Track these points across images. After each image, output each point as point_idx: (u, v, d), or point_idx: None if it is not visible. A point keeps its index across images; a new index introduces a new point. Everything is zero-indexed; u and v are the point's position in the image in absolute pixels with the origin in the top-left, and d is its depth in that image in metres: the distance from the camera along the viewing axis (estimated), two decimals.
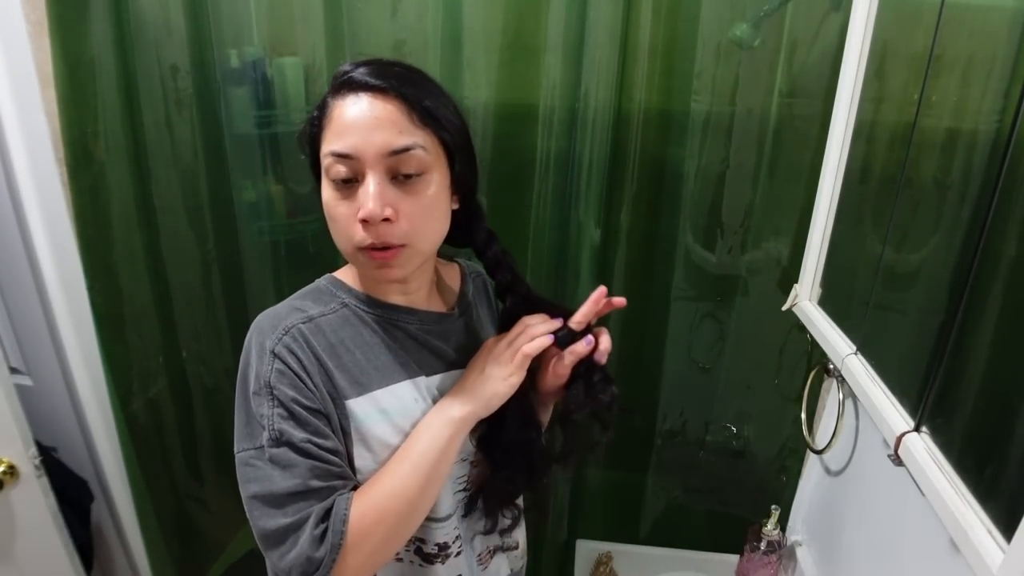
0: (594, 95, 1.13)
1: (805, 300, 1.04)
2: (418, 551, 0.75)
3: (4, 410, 1.07)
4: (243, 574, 1.66)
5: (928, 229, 0.77)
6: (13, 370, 1.24)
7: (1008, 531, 0.52)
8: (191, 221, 1.41)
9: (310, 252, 1.45)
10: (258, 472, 0.62)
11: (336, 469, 0.63)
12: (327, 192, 0.63)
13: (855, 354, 0.86)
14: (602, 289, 0.71)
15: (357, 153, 0.60)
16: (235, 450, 0.65)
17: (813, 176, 1.02)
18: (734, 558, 1.25)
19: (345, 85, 0.62)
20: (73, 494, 1.31)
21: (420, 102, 0.61)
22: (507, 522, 0.82)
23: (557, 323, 0.71)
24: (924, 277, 0.78)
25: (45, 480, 1.14)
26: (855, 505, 0.95)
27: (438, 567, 0.75)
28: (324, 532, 0.60)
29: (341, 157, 0.61)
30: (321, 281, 0.75)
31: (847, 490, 0.99)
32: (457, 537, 0.76)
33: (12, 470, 1.10)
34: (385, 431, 0.68)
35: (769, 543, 1.14)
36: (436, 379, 0.73)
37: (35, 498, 1.14)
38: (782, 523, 1.17)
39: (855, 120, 0.93)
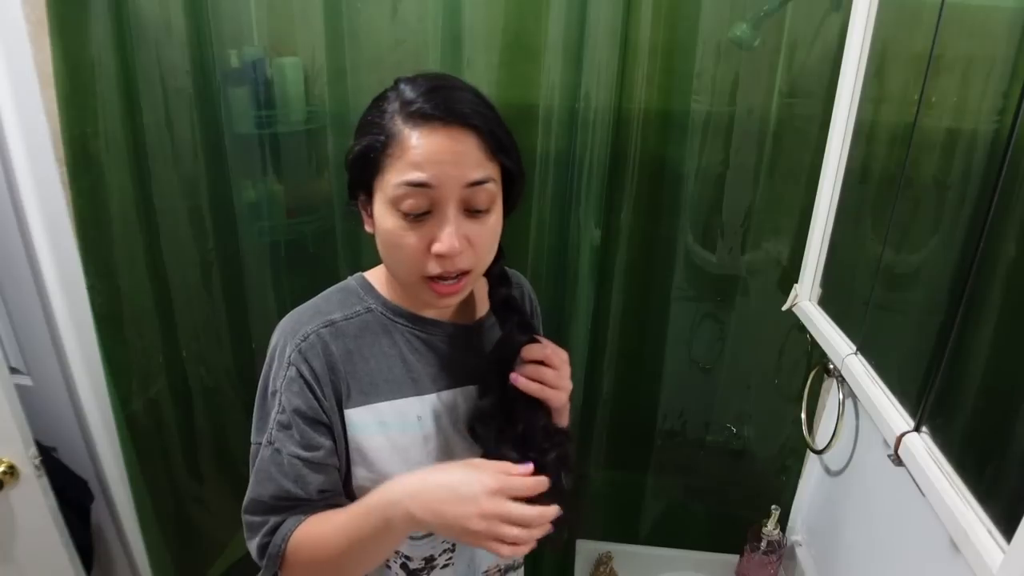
0: (594, 95, 1.13)
1: (805, 300, 1.04)
2: (403, 567, 0.76)
3: (4, 410, 1.07)
4: (243, 574, 1.66)
5: (928, 229, 0.77)
6: (13, 370, 1.24)
7: (1008, 531, 0.52)
8: (191, 221, 1.41)
9: (310, 252, 1.45)
10: (257, 473, 0.68)
11: (305, 492, 0.66)
12: (391, 221, 0.62)
13: (855, 354, 0.86)
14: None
15: (436, 183, 0.59)
16: (251, 440, 0.70)
17: (813, 176, 1.02)
18: (734, 558, 1.25)
19: (419, 115, 0.60)
20: (73, 494, 1.31)
21: (495, 135, 0.62)
22: None
23: (527, 468, 0.63)
24: (924, 277, 0.78)
25: (45, 480, 1.14)
26: (855, 505, 0.95)
27: None
28: (267, 545, 0.66)
29: (418, 187, 0.59)
30: (351, 281, 0.75)
31: (847, 490, 0.99)
32: (446, 550, 0.77)
33: (12, 470, 1.10)
34: (381, 444, 0.69)
35: (769, 543, 1.14)
36: (446, 395, 0.73)
37: (35, 498, 1.14)
38: (782, 523, 1.17)
39: (855, 120, 0.93)
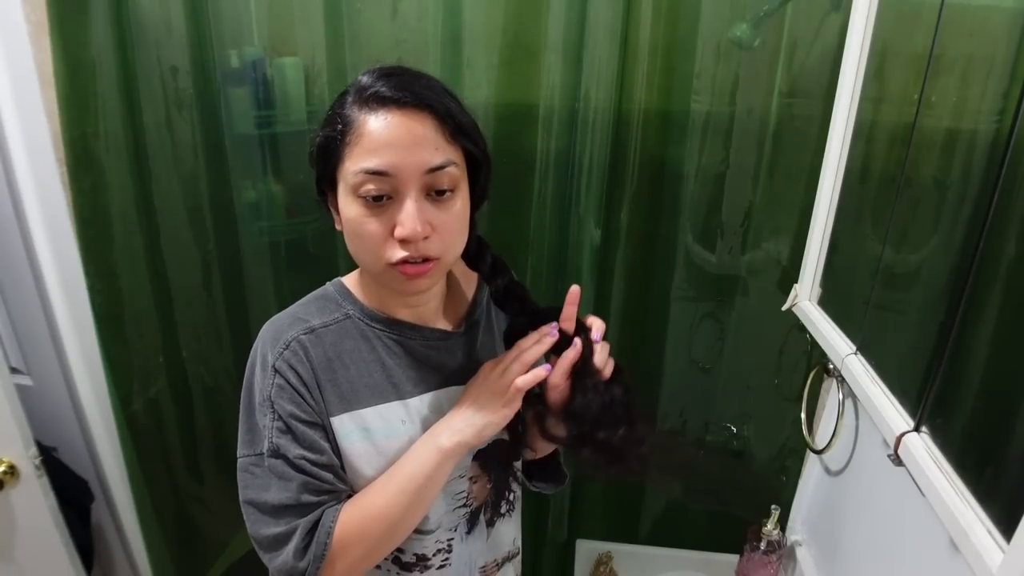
0: (594, 95, 1.13)
1: (805, 300, 1.04)
2: (395, 560, 0.75)
3: (4, 410, 1.07)
4: (243, 574, 1.66)
5: (928, 229, 0.77)
6: (13, 370, 1.24)
7: (1008, 531, 0.52)
8: (191, 221, 1.41)
9: (310, 252, 1.45)
10: (256, 479, 0.66)
11: (326, 485, 0.66)
12: (353, 209, 0.61)
13: (855, 354, 0.86)
14: (575, 289, 0.71)
15: (395, 171, 0.59)
16: (237, 454, 0.68)
17: (813, 176, 1.02)
18: (734, 558, 1.25)
19: (374, 99, 0.59)
20: (73, 494, 1.31)
21: (453, 117, 0.61)
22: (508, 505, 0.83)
23: (551, 340, 0.69)
24: (924, 277, 0.78)
25: (45, 480, 1.14)
26: (855, 505, 0.95)
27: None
28: (308, 544, 0.64)
29: (376, 175, 0.59)
30: (329, 287, 0.74)
31: (847, 490, 0.99)
32: (440, 550, 0.76)
33: (12, 470, 1.10)
34: (366, 450, 0.68)
35: (769, 543, 1.14)
36: (428, 397, 0.72)
37: (35, 498, 1.14)
38: (782, 523, 1.17)
39: (855, 120, 0.93)
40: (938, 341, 0.68)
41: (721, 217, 1.23)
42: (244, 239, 1.40)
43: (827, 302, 1.00)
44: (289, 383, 0.65)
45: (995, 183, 0.60)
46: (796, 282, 1.07)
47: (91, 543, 1.36)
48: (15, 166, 1.12)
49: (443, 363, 0.73)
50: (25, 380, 1.30)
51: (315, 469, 0.65)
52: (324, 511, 0.65)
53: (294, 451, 0.64)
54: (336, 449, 0.68)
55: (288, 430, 0.65)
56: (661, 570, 1.29)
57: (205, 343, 1.51)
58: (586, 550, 1.33)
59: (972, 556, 0.56)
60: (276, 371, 0.65)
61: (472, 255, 0.75)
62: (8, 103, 1.08)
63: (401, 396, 0.70)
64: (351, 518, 0.65)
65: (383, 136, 0.58)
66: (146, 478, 1.41)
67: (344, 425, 0.68)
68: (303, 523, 0.64)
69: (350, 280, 0.74)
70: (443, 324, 0.75)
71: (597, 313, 1.34)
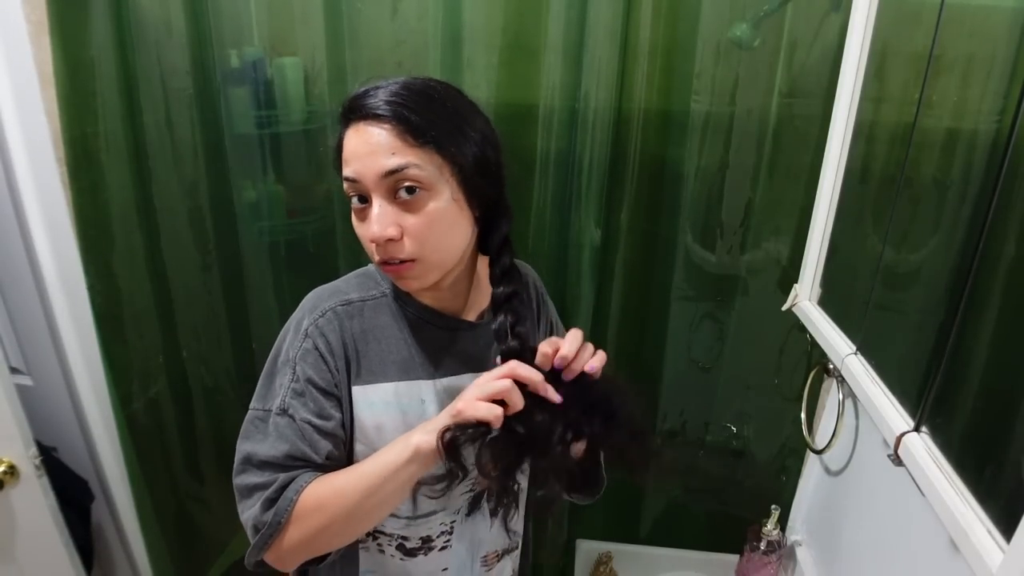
0: (594, 95, 1.13)
1: (805, 300, 1.04)
2: (400, 547, 0.78)
3: (4, 410, 1.07)
4: (243, 574, 1.66)
5: (928, 229, 0.77)
6: (13, 370, 1.24)
7: (1008, 531, 0.52)
8: (191, 221, 1.41)
9: (310, 252, 1.45)
10: (256, 432, 0.69)
11: (316, 456, 0.68)
12: (352, 213, 0.68)
13: (855, 354, 0.86)
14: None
15: (359, 177, 0.64)
16: (250, 405, 0.72)
17: (813, 176, 1.02)
18: (734, 558, 1.25)
19: (350, 112, 0.66)
20: (73, 494, 1.31)
21: (410, 122, 0.63)
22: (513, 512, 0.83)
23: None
24: (924, 277, 0.78)
25: (45, 480, 1.14)
26: (855, 505, 0.95)
27: (420, 559, 0.79)
28: (276, 500, 0.66)
29: (349, 182, 0.65)
30: (371, 266, 0.78)
31: (847, 490, 0.99)
32: (443, 532, 0.78)
33: (12, 470, 1.10)
34: (385, 423, 0.71)
35: (769, 543, 1.15)
36: (447, 381, 0.75)
37: (35, 498, 1.14)
38: (782, 523, 1.17)
39: (855, 120, 0.93)
40: (938, 341, 0.68)
41: (721, 217, 1.23)
42: (244, 239, 1.40)
43: (827, 302, 1.00)
44: (317, 348, 0.69)
45: (995, 183, 0.60)
46: (796, 282, 1.07)
47: (91, 543, 1.36)
48: (15, 166, 1.12)
49: (465, 350, 0.77)
50: (25, 380, 1.30)
51: (315, 436, 0.68)
52: (298, 475, 0.67)
53: (302, 413, 0.68)
54: (351, 421, 0.71)
55: (302, 393, 0.68)
56: (661, 570, 1.29)
57: (205, 343, 1.51)
58: (586, 550, 1.33)
59: (972, 556, 0.55)
60: (307, 335, 0.70)
61: (492, 255, 0.75)
62: (8, 103, 1.09)
63: (426, 376, 0.74)
64: (317, 490, 0.66)
65: (350, 146, 0.65)
66: (146, 478, 1.41)
67: (369, 396, 0.71)
68: (281, 478, 0.66)
69: None
70: (468, 316, 0.78)
71: (597, 313, 1.34)
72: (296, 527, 0.66)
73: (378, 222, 0.64)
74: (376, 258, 0.67)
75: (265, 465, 0.67)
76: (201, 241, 1.43)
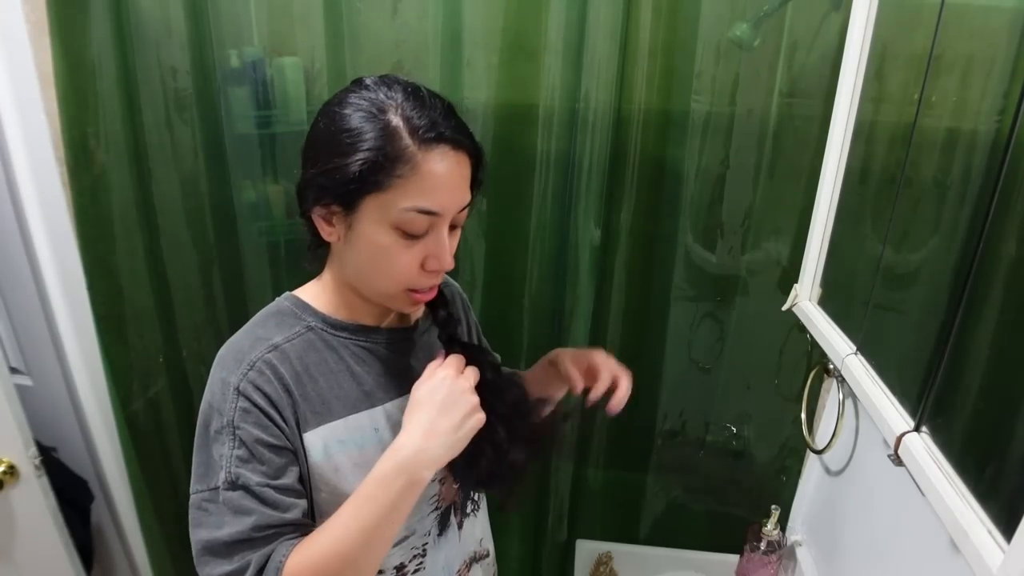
0: (594, 95, 1.13)
1: (805, 300, 1.05)
2: None
3: (4, 410, 1.07)
4: None
5: (928, 229, 0.77)
6: (13, 370, 1.24)
7: (1008, 531, 0.52)
8: (191, 221, 1.40)
9: (310, 252, 1.45)
10: (209, 517, 0.61)
11: (287, 516, 0.62)
12: (389, 238, 0.61)
13: (855, 354, 0.86)
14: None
15: (443, 211, 0.62)
16: (190, 491, 0.63)
17: (813, 176, 1.02)
18: (734, 558, 1.25)
19: (438, 139, 0.60)
20: (73, 494, 1.31)
21: (480, 156, 0.65)
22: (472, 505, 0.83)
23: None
24: (924, 277, 0.78)
25: (45, 480, 1.14)
26: (855, 505, 0.95)
27: None
28: None
29: (427, 214, 0.61)
30: (283, 302, 0.72)
31: (847, 490, 0.99)
32: (415, 556, 0.75)
33: (12, 470, 1.10)
34: (342, 462, 0.67)
35: (769, 543, 1.14)
36: (400, 401, 0.70)
37: (35, 498, 1.14)
38: (782, 523, 1.17)
39: (855, 120, 0.93)
40: (938, 341, 0.68)
41: (721, 217, 1.23)
42: (244, 239, 1.40)
43: (827, 302, 1.00)
44: (256, 405, 0.62)
45: (995, 183, 0.60)
46: (796, 282, 1.07)
47: (91, 543, 1.36)
48: (15, 166, 1.12)
49: (409, 365, 0.73)
50: (25, 380, 1.30)
51: (278, 496, 0.61)
52: (276, 546, 0.60)
53: (255, 479, 0.61)
54: (308, 473, 0.66)
55: (251, 457, 0.61)
56: (661, 570, 1.29)
57: (205, 343, 1.51)
58: (586, 550, 1.33)
59: (972, 556, 0.55)
60: (240, 393, 0.62)
61: None
62: (8, 103, 1.08)
63: (372, 403, 0.70)
64: (306, 555, 0.59)
65: (441, 177, 0.60)
66: (146, 478, 1.41)
67: (319, 439, 0.66)
68: (256, 557, 0.59)
69: (306, 292, 0.73)
70: (399, 324, 0.76)
71: (597, 313, 1.34)
72: None
73: (450, 254, 0.64)
74: (413, 285, 0.65)
75: (233, 548, 0.59)
76: (201, 241, 1.43)
